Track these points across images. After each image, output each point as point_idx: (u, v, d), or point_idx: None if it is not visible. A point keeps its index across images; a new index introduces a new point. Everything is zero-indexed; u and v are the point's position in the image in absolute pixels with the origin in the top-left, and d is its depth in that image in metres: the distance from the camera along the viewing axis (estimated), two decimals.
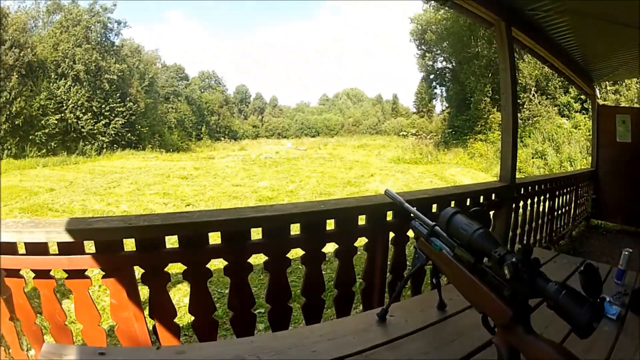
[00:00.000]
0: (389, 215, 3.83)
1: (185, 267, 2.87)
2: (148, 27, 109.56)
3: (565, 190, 8.53)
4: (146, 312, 2.82)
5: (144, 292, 2.81)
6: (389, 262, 3.81)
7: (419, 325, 1.90)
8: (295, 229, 3.27)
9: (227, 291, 3.15)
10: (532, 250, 1.22)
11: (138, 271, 2.75)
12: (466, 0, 4.65)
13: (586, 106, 19.08)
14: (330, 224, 3.47)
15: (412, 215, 1.93)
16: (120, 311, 2.72)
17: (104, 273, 2.66)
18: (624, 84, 24.70)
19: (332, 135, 57.78)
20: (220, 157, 28.93)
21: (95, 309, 2.70)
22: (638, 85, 24.73)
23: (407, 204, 2.03)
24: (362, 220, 3.69)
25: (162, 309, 2.83)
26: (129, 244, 2.71)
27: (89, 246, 2.63)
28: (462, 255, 1.49)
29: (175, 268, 2.97)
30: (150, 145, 35.02)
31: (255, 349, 1.56)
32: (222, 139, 49.20)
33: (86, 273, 2.64)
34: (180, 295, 5.13)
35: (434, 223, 1.74)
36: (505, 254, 1.27)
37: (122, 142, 33.66)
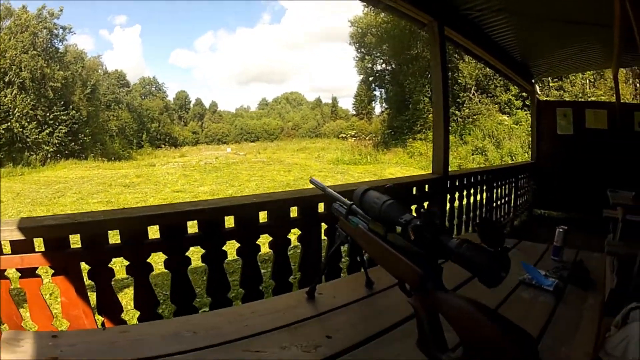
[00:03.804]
0: (321, 207, 3.93)
1: (129, 262, 2.92)
2: (93, 31, 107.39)
3: (504, 182, 8.73)
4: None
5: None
6: (323, 253, 3.86)
7: (346, 301, 1.99)
8: (230, 222, 3.35)
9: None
10: (436, 214, 1.30)
11: (85, 268, 2.77)
12: (398, 2, 4.76)
13: (528, 103, 19.46)
14: (264, 217, 3.56)
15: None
16: (70, 309, 2.72)
17: (53, 271, 2.67)
18: (568, 80, 25.31)
19: (271, 139, 57.51)
20: (161, 165, 28.79)
21: (47, 309, 2.70)
22: (582, 82, 25.35)
23: (329, 189, 2.14)
24: (294, 212, 3.80)
25: (108, 305, 2.86)
26: (76, 243, 2.74)
27: (39, 245, 2.63)
28: (375, 227, 1.57)
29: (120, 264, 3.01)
30: (92, 155, 34.39)
31: (192, 325, 1.64)
32: (163, 146, 48.71)
33: (38, 272, 2.64)
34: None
35: (351, 202, 1.84)
36: (411, 219, 1.34)
37: (66, 152, 33.01)
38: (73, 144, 34.05)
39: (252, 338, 1.59)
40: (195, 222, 3.19)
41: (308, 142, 49.15)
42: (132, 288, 3.10)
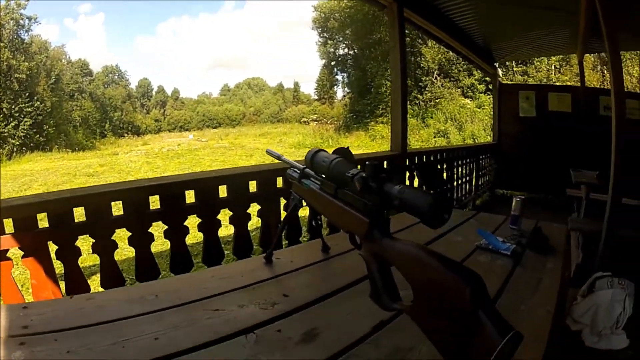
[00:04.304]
0: (279, 182, 3.99)
1: (94, 240, 2.95)
2: (57, 20, 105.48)
3: (464, 161, 8.87)
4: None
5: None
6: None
7: (303, 264, 2.06)
8: (190, 197, 3.40)
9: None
10: (381, 167, 1.35)
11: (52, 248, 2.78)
12: None
13: (491, 87, 19.67)
14: (224, 192, 3.61)
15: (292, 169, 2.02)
16: (40, 291, 2.73)
17: (23, 253, 2.66)
18: (533, 66, 25.53)
19: (233, 125, 56.70)
20: (124, 153, 28.58)
21: (19, 292, 2.68)
22: (548, 67, 25.57)
23: (284, 157, 2.17)
24: (253, 187, 3.86)
25: (76, 285, 2.87)
26: (44, 223, 2.74)
27: (10, 228, 2.62)
28: (326, 187, 1.63)
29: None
30: (56, 146, 33.71)
31: (154, 290, 1.69)
32: (126, 135, 47.72)
33: (8, 255, 2.62)
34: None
35: (303, 166, 1.88)
36: (358, 172, 1.39)
37: (31, 144, 32.28)
38: (38, 136, 33.38)
39: (212, 298, 1.64)
40: (158, 197, 3.23)
41: (270, 127, 48.60)
42: (98, 275, 3.11)
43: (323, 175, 1.69)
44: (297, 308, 1.59)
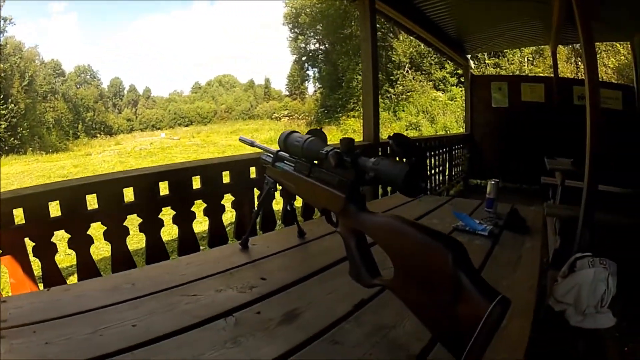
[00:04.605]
0: (253, 172, 4.00)
1: (70, 236, 2.91)
2: (31, 20, 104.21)
3: (437, 152, 8.92)
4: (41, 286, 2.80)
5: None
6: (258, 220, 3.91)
7: (279, 249, 2.06)
8: (165, 189, 3.40)
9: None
10: (353, 142, 1.34)
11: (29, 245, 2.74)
12: None
13: (463, 80, 19.80)
14: (198, 183, 3.62)
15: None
16: (19, 290, 2.69)
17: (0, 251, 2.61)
18: (505, 58, 25.76)
19: (205, 123, 56.34)
20: (97, 154, 28.85)
21: None
22: (520, 60, 25.81)
23: (257, 143, 2.20)
24: (227, 177, 3.86)
25: (53, 281, 2.82)
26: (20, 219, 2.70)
27: None
28: (300, 166, 1.63)
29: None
30: (31, 149, 33.58)
31: (131, 278, 1.68)
32: (99, 135, 46.99)
33: None
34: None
35: (277, 150, 1.89)
36: (332, 148, 1.39)
37: (6, 148, 32.16)
38: (12, 138, 33.24)
39: (189, 284, 1.63)
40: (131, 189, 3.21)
41: (241, 124, 48.54)
42: (76, 275, 3.08)
43: (297, 157, 1.69)
44: (275, 290, 1.58)
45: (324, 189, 1.44)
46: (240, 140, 2.32)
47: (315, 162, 1.56)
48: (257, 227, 3.89)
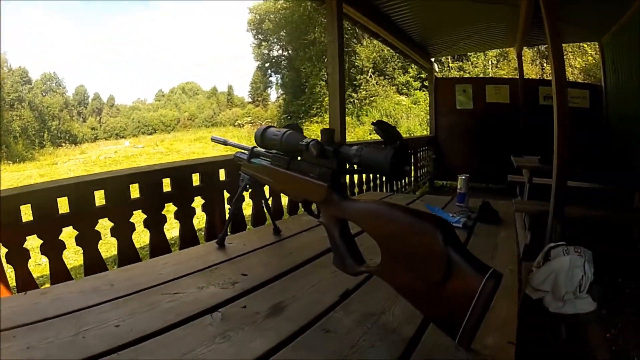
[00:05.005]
0: (222, 175, 4.01)
1: (42, 241, 2.87)
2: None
3: None
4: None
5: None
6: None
7: (256, 246, 2.06)
8: (135, 192, 3.37)
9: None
10: (334, 133, 1.36)
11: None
12: None
13: (427, 84, 20.02)
14: (168, 186, 3.63)
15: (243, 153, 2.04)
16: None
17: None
18: (469, 62, 26.06)
19: (168, 131, 56.02)
20: (63, 163, 28.89)
21: None
22: (485, 63, 26.10)
23: (230, 141, 2.21)
24: (196, 180, 3.86)
25: (26, 286, 2.76)
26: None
27: None
28: (278, 160, 1.63)
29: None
30: None
31: (109, 280, 1.66)
32: (64, 144, 46.58)
33: None
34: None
35: (252, 146, 1.90)
36: (312, 139, 1.39)
37: None
38: None
39: (169, 283, 1.62)
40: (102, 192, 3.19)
41: (204, 131, 48.30)
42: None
43: (274, 151, 1.68)
44: (258, 285, 1.58)
45: (305, 179, 1.44)
46: (213, 140, 2.32)
47: (295, 154, 1.55)
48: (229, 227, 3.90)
